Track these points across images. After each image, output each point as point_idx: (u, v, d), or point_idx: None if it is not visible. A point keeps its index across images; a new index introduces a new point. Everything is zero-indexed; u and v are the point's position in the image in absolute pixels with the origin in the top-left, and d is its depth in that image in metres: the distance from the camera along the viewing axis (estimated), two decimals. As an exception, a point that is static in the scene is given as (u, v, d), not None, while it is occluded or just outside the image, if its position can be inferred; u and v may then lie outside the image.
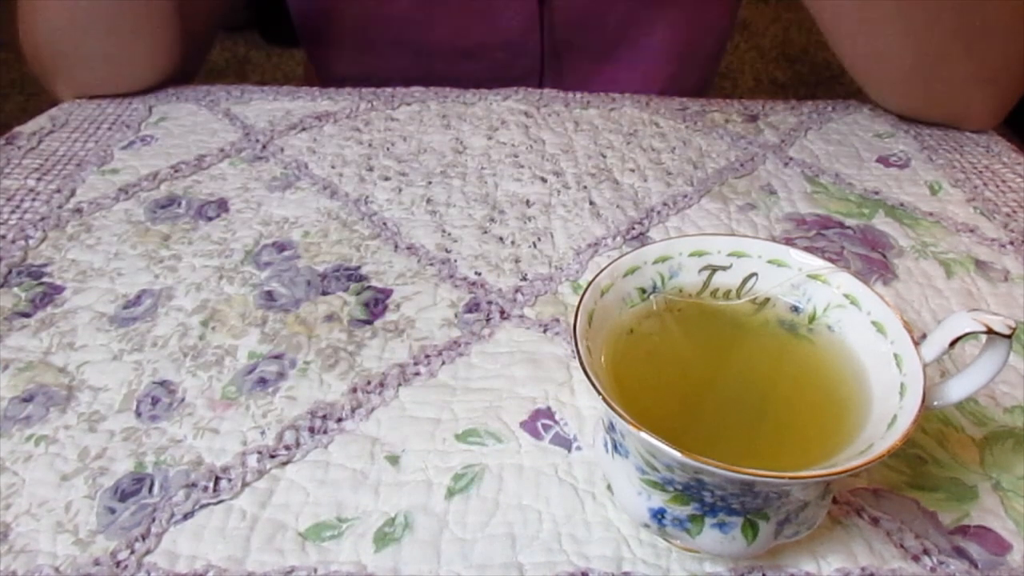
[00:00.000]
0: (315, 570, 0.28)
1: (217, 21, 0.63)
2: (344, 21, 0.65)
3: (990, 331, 0.25)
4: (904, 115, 0.58)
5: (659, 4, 0.65)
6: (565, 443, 0.32)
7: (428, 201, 0.47)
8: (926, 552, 0.29)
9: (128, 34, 0.54)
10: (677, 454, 0.22)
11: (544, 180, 0.49)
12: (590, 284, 0.27)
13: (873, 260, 0.43)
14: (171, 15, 0.55)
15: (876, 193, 0.49)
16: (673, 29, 0.66)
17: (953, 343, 0.25)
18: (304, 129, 0.54)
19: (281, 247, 0.43)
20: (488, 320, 0.38)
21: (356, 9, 0.64)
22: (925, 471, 0.32)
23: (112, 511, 0.29)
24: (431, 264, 0.42)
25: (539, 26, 0.63)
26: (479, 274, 0.41)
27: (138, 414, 0.33)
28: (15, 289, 0.40)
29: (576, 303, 0.27)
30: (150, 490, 0.30)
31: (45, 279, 0.40)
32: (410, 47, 0.65)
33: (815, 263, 0.29)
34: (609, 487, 0.30)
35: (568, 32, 0.65)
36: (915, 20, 0.50)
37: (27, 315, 0.38)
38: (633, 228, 0.45)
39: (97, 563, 0.28)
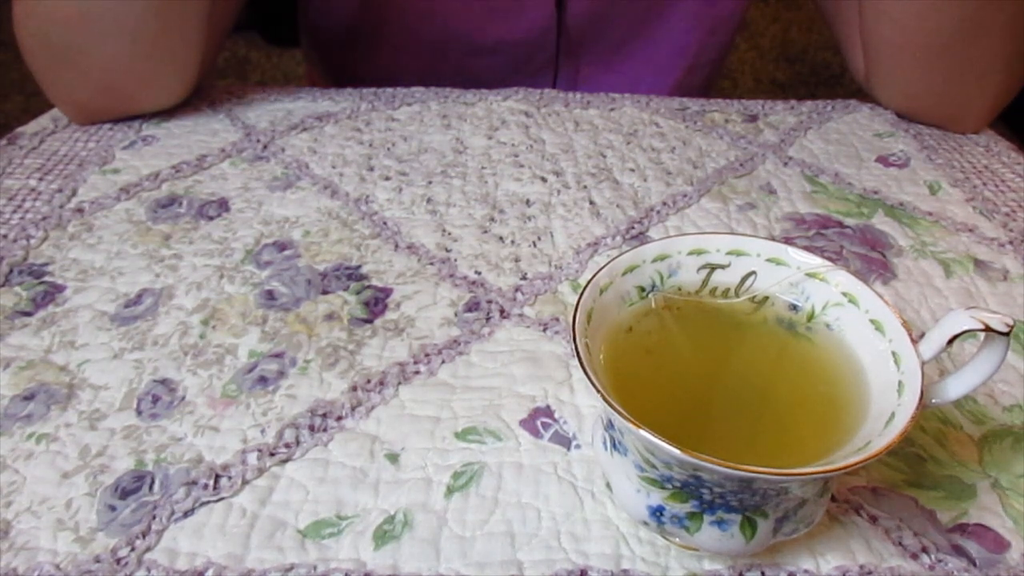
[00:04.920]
0: (315, 568, 0.28)
1: (230, 28, 0.63)
2: (360, 20, 0.65)
3: (988, 329, 0.25)
4: (902, 111, 0.58)
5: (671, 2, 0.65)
6: (564, 441, 0.32)
7: (428, 201, 0.47)
8: (924, 550, 0.29)
9: (159, 47, 0.51)
10: (676, 451, 0.22)
11: (544, 180, 0.49)
12: (589, 282, 0.28)
13: (872, 259, 0.44)
14: (203, 26, 0.52)
15: (875, 193, 0.49)
16: (688, 23, 0.66)
17: (951, 341, 0.25)
18: (305, 129, 0.54)
19: (282, 246, 0.43)
20: (488, 319, 0.38)
21: (374, 8, 0.64)
22: (924, 469, 0.32)
23: (113, 509, 0.29)
24: (431, 263, 0.42)
25: (555, 23, 0.63)
26: (479, 273, 0.42)
27: (139, 412, 0.33)
28: (16, 288, 0.40)
29: (575, 302, 0.27)
30: (150, 488, 0.30)
31: (46, 278, 0.40)
32: (428, 44, 0.65)
33: (813, 261, 0.30)
34: (608, 485, 0.30)
35: (584, 29, 0.65)
36: (923, 11, 0.50)
37: (28, 314, 0.38)
38: (633, 227, 0.45)
39: (98, 560, 0.28)
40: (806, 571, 0.28)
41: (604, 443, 0.28)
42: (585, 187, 0.49)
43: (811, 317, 0.29)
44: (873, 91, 0.59)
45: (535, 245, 0.44)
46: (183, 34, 0.51)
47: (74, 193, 0.47)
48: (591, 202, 0.47)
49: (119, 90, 0.52)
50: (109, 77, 0.51)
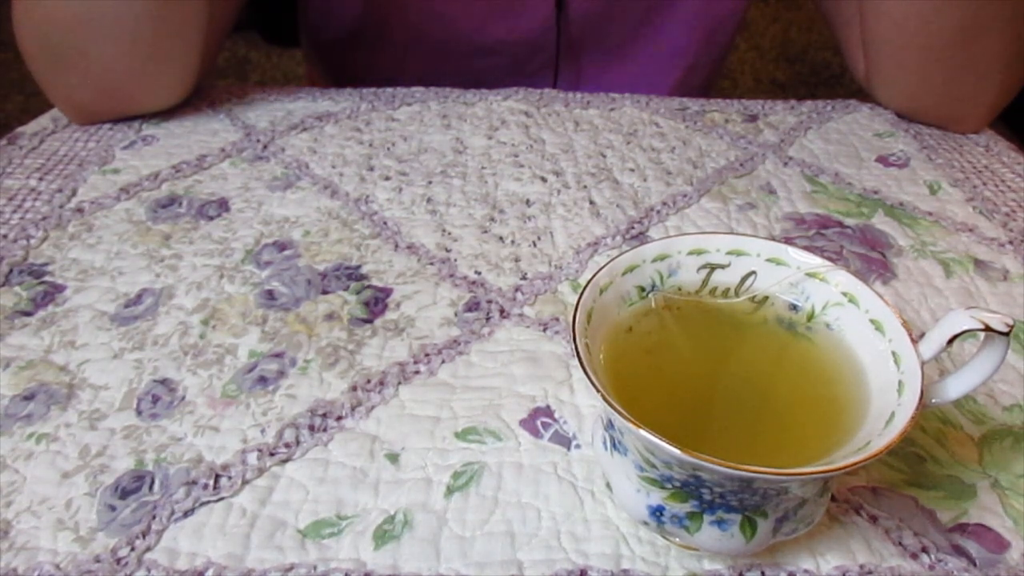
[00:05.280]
0: (315, 567, 0.28)
1: (230, 29, 0.62)
2: (362, 21, 0.65)
3: (988, 329, 0.25)
4: (902, 111, 0.58)
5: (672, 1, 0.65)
6: (564, 441, 0.32)
7: (428, 201, 0.47)
8: (924, 550, 0.29)
9: (159, 46, 0.50)
10: (676, 451, 0.22)
11: (544, 180, 0.49)
12: (589, 282, 0.28)
13: (872, 259, 0.44)
14: (202, 27, 0.52)
15: (875, 192, 0.49)
16: (688, 23, 0.66)
17: (951, 341, 0.25)
18: (305, 129, 0.54)
19: (282, 246, 0.43)
20: (488, 319, 0.38)
21: (376, 9, 0.64)
22: (924, 469, 0.32)
23: (113, 508, 0.29)
24: (431, 263, 0.42)
25: (555, 23, 0.64)
26: (479, 273, 0.42)
27: (139, 412, 0.33)
28: (16, 288, 0.40)
29: (575, 302, 0.27)
30: (150, 488, 0.30)
31: (46, 278, 0.40)
32: (428, 44, 0.65)
33: (813, 261, 0.30)
34: (608, 485, 0.30)
35: (584, 29, 0.65)
36: (923, 11, 0.50)
37: (28, 314, 0.38)
38: (633, 227, 0.45)
39: (98, 560, 0.28)
40: (806, 571, 0.28)
41: (604, 443, 0.28)
42: (585, 187, 0.49)
43: (811, 317, 0.29)
44: (873, 91, 0.59)
45: (535, 245, 0.44)
46: (183, 35, 0.51)
47: (74, 193, 0.47)
48: (591, 202, 0.47)
49: (119, 91, 0.52)
50: (109, 78, 0.51)
